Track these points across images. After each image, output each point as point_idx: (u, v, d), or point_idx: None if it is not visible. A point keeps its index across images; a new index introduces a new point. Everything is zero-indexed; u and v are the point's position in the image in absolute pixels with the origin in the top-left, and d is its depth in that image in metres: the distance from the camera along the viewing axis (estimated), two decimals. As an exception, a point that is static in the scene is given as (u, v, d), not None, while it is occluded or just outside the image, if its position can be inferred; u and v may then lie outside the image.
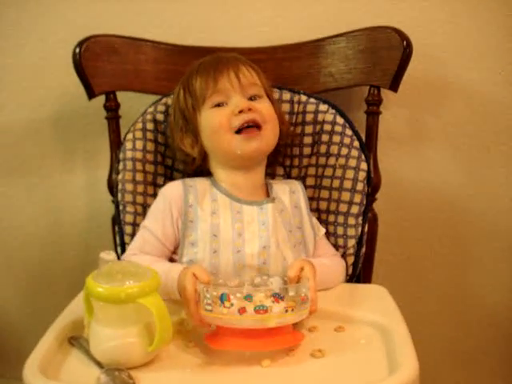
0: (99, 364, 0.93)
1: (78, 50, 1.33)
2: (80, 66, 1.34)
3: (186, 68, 1.27)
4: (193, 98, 1.21)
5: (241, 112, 1.16)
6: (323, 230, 1.28)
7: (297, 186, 1.28)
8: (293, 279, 1.05)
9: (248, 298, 0.93)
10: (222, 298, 0.93)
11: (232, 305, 0.92)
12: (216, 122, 1.17)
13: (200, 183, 1.22)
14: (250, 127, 1.17)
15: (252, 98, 1.20)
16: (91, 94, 1.37)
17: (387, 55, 1.33)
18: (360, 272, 1.33)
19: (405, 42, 1.30)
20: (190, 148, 1.24)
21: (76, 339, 1.00)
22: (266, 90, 1.24)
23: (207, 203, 1.19)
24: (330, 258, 1.25)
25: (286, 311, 0.93)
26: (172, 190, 1.22)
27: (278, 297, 0.94)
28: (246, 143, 1.16)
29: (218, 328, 0.97)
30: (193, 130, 1.23)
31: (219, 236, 1.16)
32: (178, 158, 1.30)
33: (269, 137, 1.20)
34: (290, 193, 1.25)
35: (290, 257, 1.17)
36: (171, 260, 1.19)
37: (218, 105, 1.18)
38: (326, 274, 1.18)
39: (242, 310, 0.92)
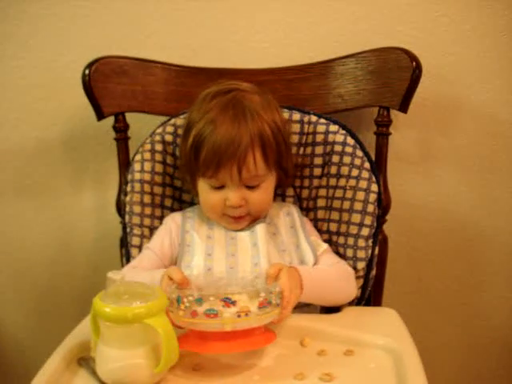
0: (105, 385, 0.92)
1: (87, 72, 1.34)
2: (89, 87, 1.34)
3: (195, 89, 1.26)
4: (194, 162, 1.18)
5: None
6: (323, 246, 1.25)
7: (291, 208, 1.30)
8: (272, 276, 1.04)
9: (198, 301, 0.94)
10: (178, 301, 0.95)
11: (186, 307, 0.94)
12: (209, 202, 1.21)
13: (199, 214, 1.27)
14: None
15: (249, 186, 1.18)
16: (100, 115, 1.38)
17: (397, 76, 1.33)
18: (370, 295, 1.32)
19: (414, 63, 1.30)
20: (188, 183, 1.28)
21: (85, 360, 0.99)
22: (272, 166, 1.20)
23: (203, 229, 1.24)
24: (330, 264, 1.23)
25: (239, 316, 0.93)
26: (173, 219, 1.28)
27: (228, 301, 0.94)
28: (234, 223, 1.22)
29: (187, 330, 0.98)
30: (191, 176, 1.24)
31: (213, 255, 1.19)
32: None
33: (258, 214, 1.23)
34: (284, 215, 1.28)
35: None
36: None
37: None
38: (323, 276, 1.17)
39: (193, 313, 0.94)
